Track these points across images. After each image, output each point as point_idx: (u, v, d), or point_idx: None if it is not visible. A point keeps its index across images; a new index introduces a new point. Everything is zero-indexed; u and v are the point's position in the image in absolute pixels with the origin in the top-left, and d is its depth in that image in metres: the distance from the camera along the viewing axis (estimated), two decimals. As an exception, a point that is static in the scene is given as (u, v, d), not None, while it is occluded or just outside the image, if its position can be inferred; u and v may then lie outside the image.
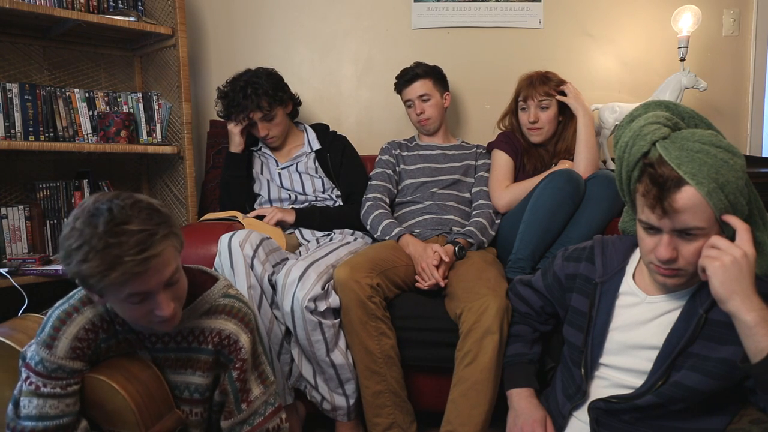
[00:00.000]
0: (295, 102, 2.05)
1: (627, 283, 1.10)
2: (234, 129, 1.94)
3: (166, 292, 0.94)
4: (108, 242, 0.84)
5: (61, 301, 1.04)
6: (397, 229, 1.73)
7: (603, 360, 1.10)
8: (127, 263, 0.85)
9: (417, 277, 1.60)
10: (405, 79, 2.01)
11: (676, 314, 1.02)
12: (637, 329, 1.06)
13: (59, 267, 1.76)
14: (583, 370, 1.11)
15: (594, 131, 1.81)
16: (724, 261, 0.88)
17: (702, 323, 0.97)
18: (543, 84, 1.85)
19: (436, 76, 2.02)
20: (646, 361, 1.03)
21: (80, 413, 1.02)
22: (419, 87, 1.98)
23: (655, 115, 0.99)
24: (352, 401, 1.52)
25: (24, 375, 1.00)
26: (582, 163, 1.75)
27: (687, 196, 0.90)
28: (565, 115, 1.89)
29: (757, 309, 0.87)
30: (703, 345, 0.97)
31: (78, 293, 1.04)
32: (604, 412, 1.06)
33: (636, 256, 1.12)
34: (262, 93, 1.87)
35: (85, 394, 1.02)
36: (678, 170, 0.91)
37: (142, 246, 0.86)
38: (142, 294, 0.91)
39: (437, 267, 1.57)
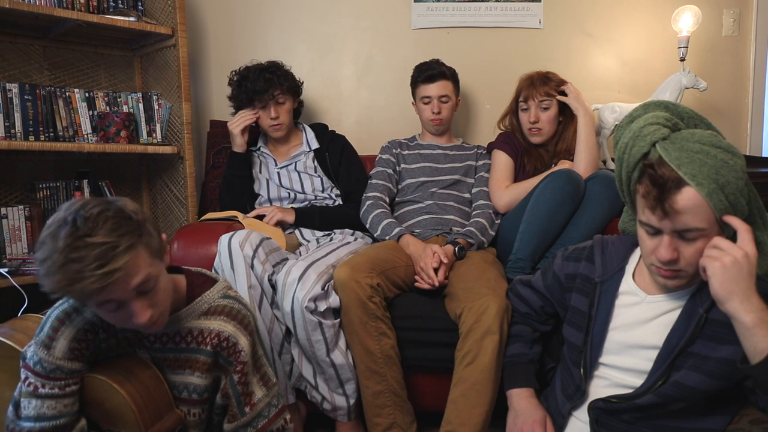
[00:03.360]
0: (300, 101, 2.09)
1: (627, 283, 1.10)
2: (235, 129, 1.95)
3: (140, 300, 0.93)
4: (68, 257, 0.83)
5: (60, 301, 1.03)
6: (397, 229, 1.73)
7: (602, 360, 1.10)
8: (87, 278, 0.83)
9: (416, 277, 1.60)
10: (429, 74, 1.98)
11: (676, 314, 1.02)
12: (637, 329, 1.06)
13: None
14: (582, 370, 1.11)
15: (594, 131, 1.81)
16: (725, 261, 0.88)
17: (702, 323, 0.97)
18: (544, 84, 1.85)
19: (455, 79, 2.03)
20: (645, 360, 1.03)
21: (79, 413, 1.02)
22: (442, 86, 1.97)
23: (654, 116, 0.99)
24: (352, 401, 1.52)
25: (23, 376, 1.00)
26: (582, 164, 1.75)
27: (687, 197, 0.90)
28: (566, 116, 1.89)
29: (756, 310, 0.87)
30: (703, 345, 0.97)
31: None
32: (604, 411, 1.06)
33: (636, 255, 1.12)
34: (282, 74, 1.94)
35: (85, 393, 1.02)
36: (678, 171, 0.91)
37: (102, 261, 0.84)
38: (114, 303, 0.91)
39: (437, 269, 1.57)
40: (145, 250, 0.92)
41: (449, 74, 2.00)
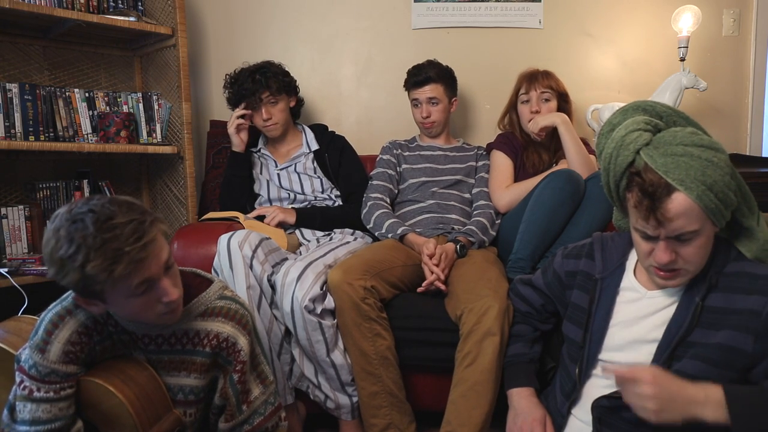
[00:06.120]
0: (299, 99, 2.08)
1: (628, 279, 1.11)
2: (229, 129, 1.96)
3: (168, 277, 0.96)
4: (104, 238, 0.85)
5: (54, 304, 1.03)
6: (402, 228, 1.73)
7: (602, 356, 1.10)
8: (128, 253, 0.86)
9: (419, 289, 1.58)
10: (417, 79, 1.97)
11: (675, 307, 1.03)
12: (638, 324, 1.06)
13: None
14: (578, 368, 1.11)
15: (574, 131, 1.79)
16: (648, 406, 0.89)
17: (699, 311, 0.98)
18: (545, 78, 1.87)
19: (447, 81, 2.00)
20: (647, 355, 1.03)
21: (75, 415, 1.01)
22: (429, 90, 1.96)
23: (634, 122, 1.00)
24: (355, 399, 1.52)
25: (18, 379, 1.00)
26: (576, 166, 1.74)
27: (678, 203, 0.91)
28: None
29: (700, 402, 0.89)
30: (702, 333, 0.98)
31: (71, 294, 1.03)
32: (608, 410, 1.06)
33: (635, 252, 1.13)
34: (271, 75, 1.93)
35: (82, 397, 1.02)
36: (665, 177, 0.91)
37: (138, 234, 0.88)
38: (146, 282, 0.92)
39: (437, 264, 1.56)
40: (163, 226, 0.96)
41: (438, 77, 1.97)
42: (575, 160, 1.75)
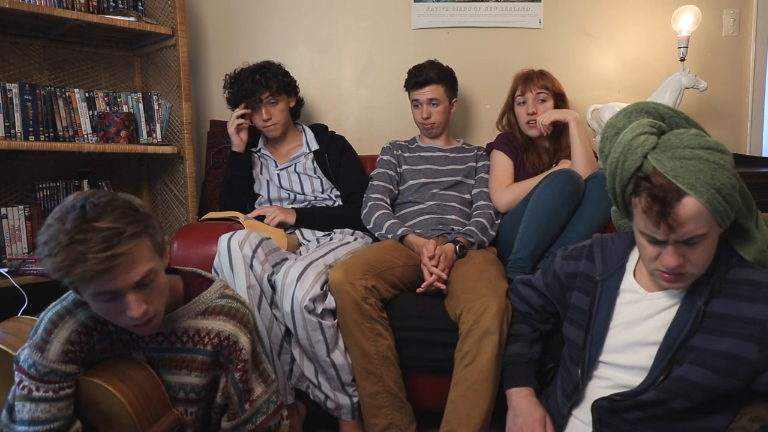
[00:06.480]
0: (299, 99, 2.08)
1: (628, 281, 1.11)
2: (229, 129, 1.96)
3: (136, 293, 0.92)
4: (74, 238, 0.84)
5: (54, 303, 1.03)
6: (402, 229, 1.73)
7: (603, 358, 1.10)
8: (90, 260, 0.84)
9: (419, 289, 1.59)
10: (418, 80, 1.96)
11: (675, 309, 1.03)
12: (638, 326, 1.06)
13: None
14: (580, 369, 1.11)
15: (585, 131, 1.80)
16: None
17: (701, 316, 0.98)
18: (540, 78, 1.86)
19: (448, 82, 2.00)
20: (647, 357, 1.03)
21: (74, 416, 1.01)
22: (430, 91, 1.96)
23: (639, 125, 0.99)
24: (355, 399, 1.52)
25: (17, 379, 0.99)
26: (580, 165, 1.74)
27: (689, 207, 0.91)
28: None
29: None
30: (704, 338, 0.98)
31: (71, 294, 1.03)
32: (608, 411, 1.06)
33: (636, 253, 1.12)
34: (271, 76, 1.92)
35: (81, 396, 1.01)
36: (675, 182, 0.91)
37: (107, 244, 0.85)
38: (110, 293, 0.90)
39: (437, 266, 1.57)
40: (149, 242, 0.93)
41: (439, 78, 1.96)
42: (581, 159, 1.75)
